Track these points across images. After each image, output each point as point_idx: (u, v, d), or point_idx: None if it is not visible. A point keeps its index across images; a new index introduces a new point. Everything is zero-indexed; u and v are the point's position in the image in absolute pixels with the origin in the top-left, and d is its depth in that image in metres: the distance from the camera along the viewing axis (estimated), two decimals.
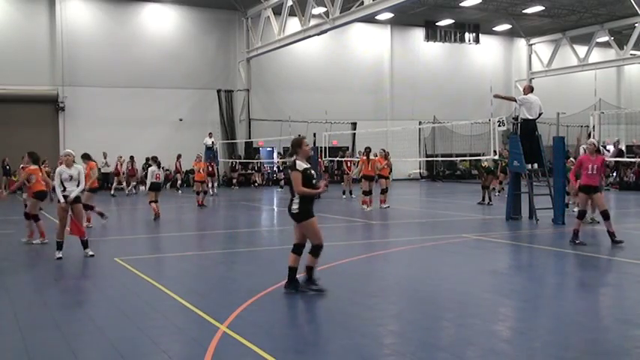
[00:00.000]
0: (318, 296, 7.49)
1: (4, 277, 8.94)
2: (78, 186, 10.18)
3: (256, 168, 32.91)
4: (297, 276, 7.51)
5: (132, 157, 27.79)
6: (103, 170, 28.96)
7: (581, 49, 38.07)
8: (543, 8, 34.14)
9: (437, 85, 37.74)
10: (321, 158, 26.33)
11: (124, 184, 27.62)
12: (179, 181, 28.97)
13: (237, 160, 32.19)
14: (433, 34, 38.51)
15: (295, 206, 7.32)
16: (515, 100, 15.40)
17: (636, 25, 33.28)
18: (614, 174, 28.78)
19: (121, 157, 27.84)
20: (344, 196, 23.79)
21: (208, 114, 32.69)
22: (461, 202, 21.35)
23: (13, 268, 9.73)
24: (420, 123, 34.15)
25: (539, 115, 14.88)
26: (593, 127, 16.80)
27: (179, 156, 28.95)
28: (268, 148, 34.74)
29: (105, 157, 28.29)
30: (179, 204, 22.45)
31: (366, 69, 36.46)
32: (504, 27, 38.43)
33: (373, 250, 11.32)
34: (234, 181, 31.40)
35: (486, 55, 40.07)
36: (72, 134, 29.45)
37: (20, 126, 28.46)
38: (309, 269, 7.48)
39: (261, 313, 6.65)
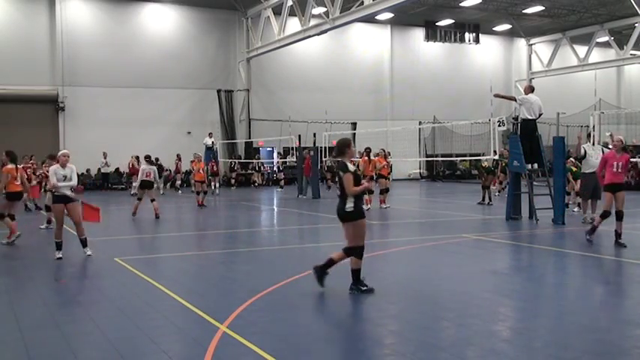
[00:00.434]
0: (317, 296, 7.49)
1: (4, 277, 8.94)
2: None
3: (257, 168, 32.91)
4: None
5: (137, 157, 27.82)
6: (102, 170, 29.06)
7: (581, 49, 38.08)
8: (543, 8, 34.15)
9: (437, 85, 37.75)
10: (324, 158, 26.35)
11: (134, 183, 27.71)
12: (178, 181, 28.96)
13: (237, 160, 32.19)
14: (433, 34, 38.52)
15: (350, 204, 7.43)
16: (516, 100, 15.40)
17: (636, 25, 33.28)
18: None
19: (134, 157, 27.87)
20: None
21: (208, 114, 32.70)
22: (461, 202, 21.34)
23: (13, 268, 9.73)
24: (420, 123, 34.15)
25: (540, 115, 14.87)
26: (593, 127, 16.77)
27: (178, 156, 28.91)
28: (268, 148, 34.75)
29: (105, 157, 28.31)
30: (179, 204, 22.45)
31: (366, 69, 36.46)
32: (504, 27, 38.44)
33: (373, 250, 11.30)
34: (233, 181, 31.43)
35: (486, 55, 40.08)
36: (72, 134, 29.46)
37: (20, 126, 28.47)
38: (355, 272, 7.50)
39: (261, 313, 6.65)
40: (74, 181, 10.21)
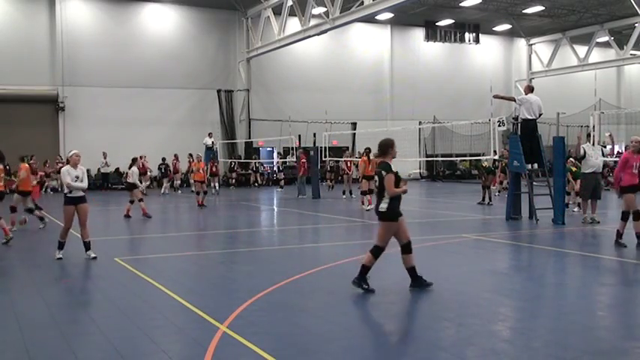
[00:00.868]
0: (317, 296, 7.49)
1: (4, 277, 8.94)
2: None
3: (254, 168, 32.88)
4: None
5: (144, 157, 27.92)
6: (102, 170, 29.07)
7: (581, 49, 38.08)
8: (543, 8, 34.15)
9: (437, 85, 37.76)
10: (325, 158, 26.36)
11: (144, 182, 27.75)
12: (177, 181, 28.97)
13: (237, 160, 32.20)
14: (433, 34, 38.52)
15: (384, 205, 7.42)
16: (515, 101, 15.40)
17: (636, 25, 33.29)
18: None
19: (144, 157, 27.84)
20: (344, 196, 23.79)
21: (208, 114, 32.70)
22: (461, 202, 21.35)
23: (13, 268, 9.73)
24: (420, 123, 34.13)
25: (540, 115, 14.87)
26: (593, 127, 16.77)
27: (176, 156, 28.84)
28: (268, 148, 34.74)
29: (105, 157, 28.30)
30: (179, 204, 22.46)
31: (366, 69, 36.47)
32: (504, 27, 38.44)
33: None
34: (232, 180, 31.46)
35: (486, 55, 40.08)
36: (72, 134, 29.46)
37: (20, 126, 28.47)
38: (365, 268, 7.48)
39: (261, 313, 6.65)
40: (85, 183, 10.22)
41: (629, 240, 10.78)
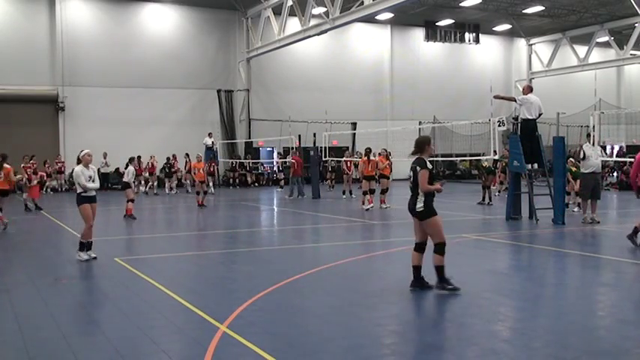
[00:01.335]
0: (317, 296, 7.50)
1: (4, 277, 8.94)
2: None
3: (248, 168, 32.82)
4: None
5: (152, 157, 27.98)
6: (102, 170, 29.00)
7: (581, 49, 38.07)
8: (543, 8, 34.14)
9: (437, 85, 37.74)
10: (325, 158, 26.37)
11: (151, 183, 27.77)
12: (175, 181, 28.93)
13: (237, 160, 32.19)
14: (433, 34, 38.51)
15: (420, 204, 7.42)
16: (515, 101, 15.40)
17: (636, 25, 33.28)
18: (614, 174, 28.79)
19: (153, 157, 27.86)
20: (344, 196, 23.79)
21: (208, 114, 32.69)
22: (461, 202, 21.33)
23: (13, 268, 9.73)
24: (420, 123, 34.11)
25: (540, 115, 14.88)
26: (593, 127, 16.77)
27: (174, 156, 28.78)
28: (268, 148, 34.73)
29: (105, 157, 28.29)
30: (179, 204, 22.45)
31: (366, 69, 36.46)
32: (504, 27, 38.43)
33: (373, 250, 11.32)
34: (231, 180, 31.46)
35: (486, 55, 40.07)
36: (72, 134, 29.45)
37: (20, 126, 28.46)
38: (439, 269, 7.43)
39: (261, 313, 6.65)
40: (97, 183, 10.21)
41: (627, 239, 10.78)
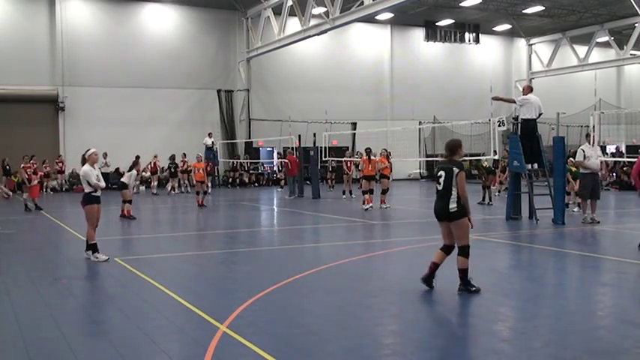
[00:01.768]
0: (317, 296, 7.49)
1: (4, 277, 8.94)
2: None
3: (245, 168, 32.80)
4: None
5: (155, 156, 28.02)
6: (102, 170, 28.94)
7: (581, 49, 38.08)
8: (543, 8, 34.14)
9: (437, 85, 37.74)
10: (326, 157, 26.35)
11: (153, 183, 27.78)
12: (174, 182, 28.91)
13: (237, 160, 32.19)
14: (433, 34, 38.52)
15: (454, 205, 7.46)
16: (515, 102, 15.40)
17: (636, 25, 33.28)
18: (614, 174, 28.78)
19: (156, 157, 27.84)
20: (344, 196, 23.79)
21: (208, 114, 32.70)
22: None
23: (13, 268, 9.73)
24: (420, 123, 34.14)
25: (540, 115, 14.87)
26: (593, 127, 16.77)
27: (184, 155, 28.75)
28: (268, 148, 34.74)
29: (105, 157, 28.28)
30: (178, 204, 22.45)
31: (366, 69, 36.47)
32: (504, 27, 38.43)
33: (373, 250, 11.32)
34: (230, 180, 31.42)
35: (486, 55, 40.08)
36: (72, 134, 29.47)
37: (20, 126, 28.47)
38: (463, 271, 7.39)
39: (261, 313, 6.65)
40: (103, 182, 10.22)
41: (628, 240, 10.77)
